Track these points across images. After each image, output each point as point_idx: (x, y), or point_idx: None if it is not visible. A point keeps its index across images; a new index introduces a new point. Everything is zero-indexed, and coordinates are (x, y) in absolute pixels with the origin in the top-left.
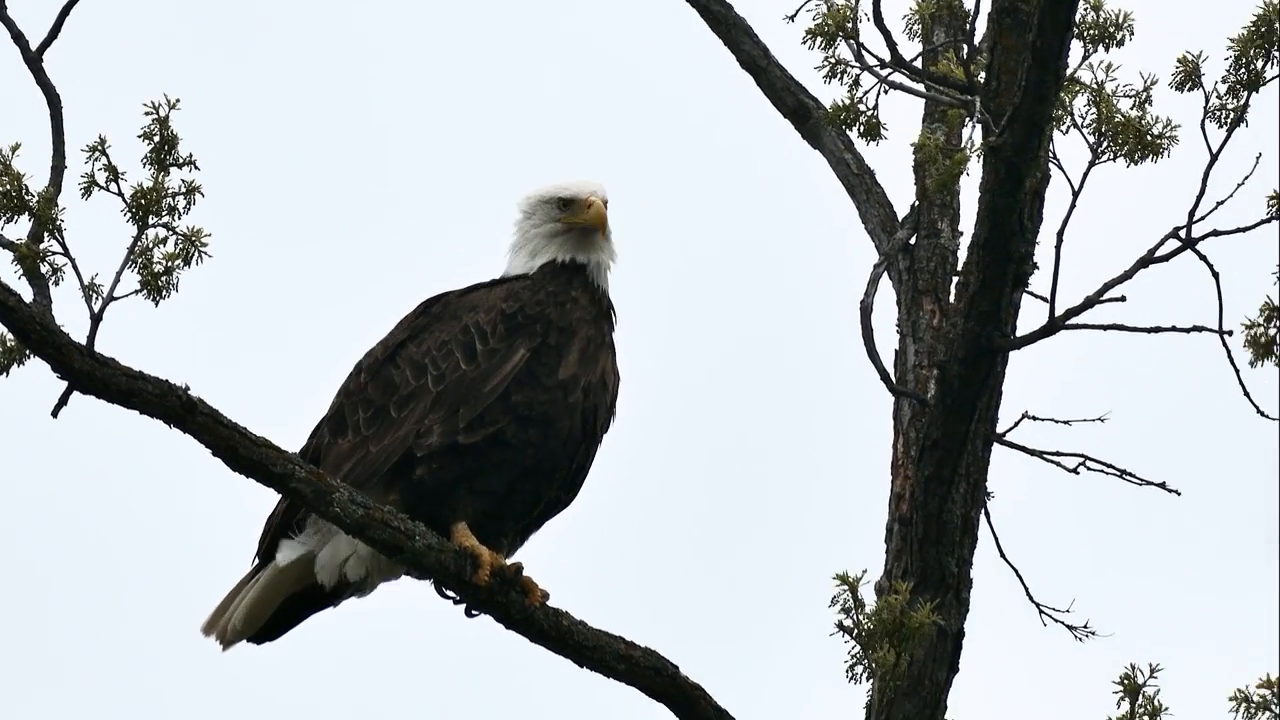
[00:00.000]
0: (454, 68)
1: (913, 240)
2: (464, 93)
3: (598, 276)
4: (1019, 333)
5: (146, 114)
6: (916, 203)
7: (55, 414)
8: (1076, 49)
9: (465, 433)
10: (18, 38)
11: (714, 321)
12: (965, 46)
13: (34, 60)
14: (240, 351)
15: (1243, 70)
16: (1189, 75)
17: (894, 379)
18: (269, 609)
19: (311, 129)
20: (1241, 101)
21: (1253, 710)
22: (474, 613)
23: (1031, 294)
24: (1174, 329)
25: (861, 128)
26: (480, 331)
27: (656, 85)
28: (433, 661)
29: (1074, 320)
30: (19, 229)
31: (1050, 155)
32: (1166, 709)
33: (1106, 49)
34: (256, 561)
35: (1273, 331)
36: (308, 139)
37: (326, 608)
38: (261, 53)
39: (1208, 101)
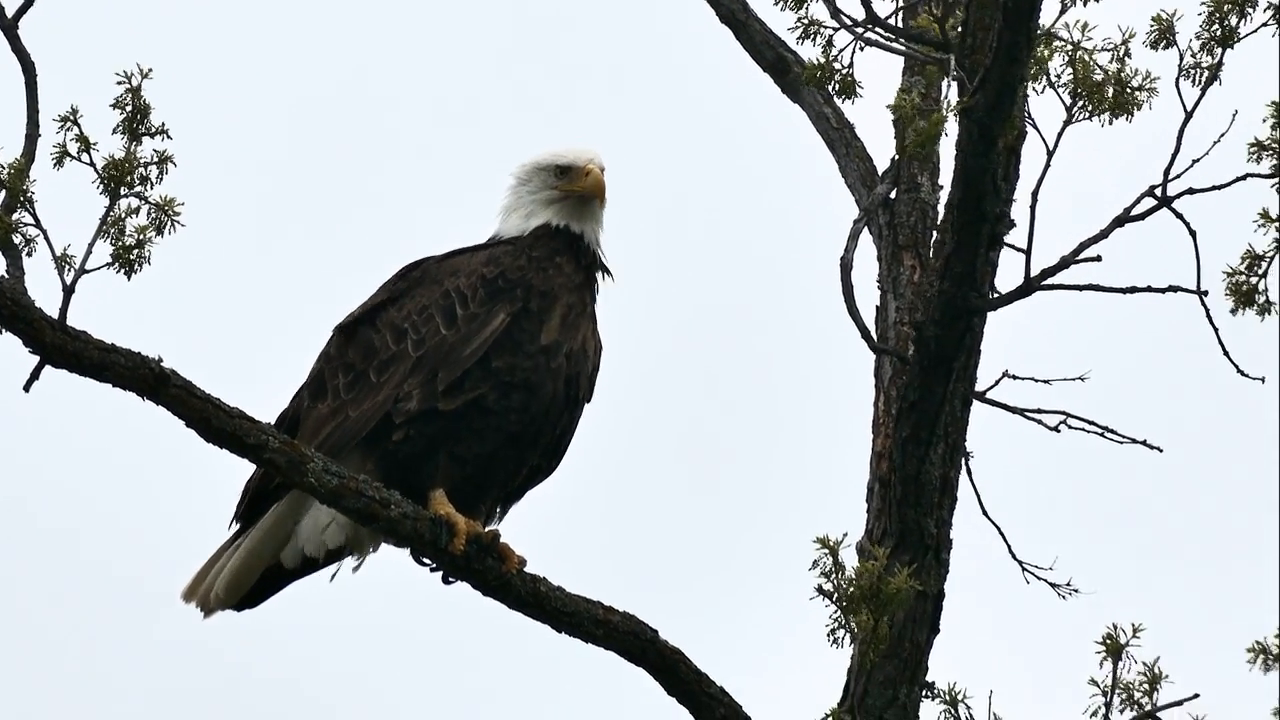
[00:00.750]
0: (427, 26)
1: (893, 195)
2: (436, 52)
3: (592, 245)
4: (1000, 290)
5: (119, 83)
6: (896, 157)
7: (27, 388)
8: (1054, 4)
9: (444, 398)
10: None
11: (693, 278)
12: (941, 2)
13: (9, 27)
14: (214, 323)
15: (1216, 27)
16: (1163, 33)
17: (875, 336)
18: (252, 577)
19: (289, 98)
20: (1216, 59)
21: (1271, 661)
22: (450, 580)
23: (1012, 246)
24: (1150, 289)
25: (837, 86)
26: (460, 296)
27: (634, 40)
28: (411, 629)
29: (1050, 281)
30: None
31: (1025, 114)
32: (1167, 676)
33: (1084, 3)
34: (236, 528)
35: (1254, 280)
36: (284, 108)
37: (307, 575)
38: (238, 20)
39: (1182, 59)
